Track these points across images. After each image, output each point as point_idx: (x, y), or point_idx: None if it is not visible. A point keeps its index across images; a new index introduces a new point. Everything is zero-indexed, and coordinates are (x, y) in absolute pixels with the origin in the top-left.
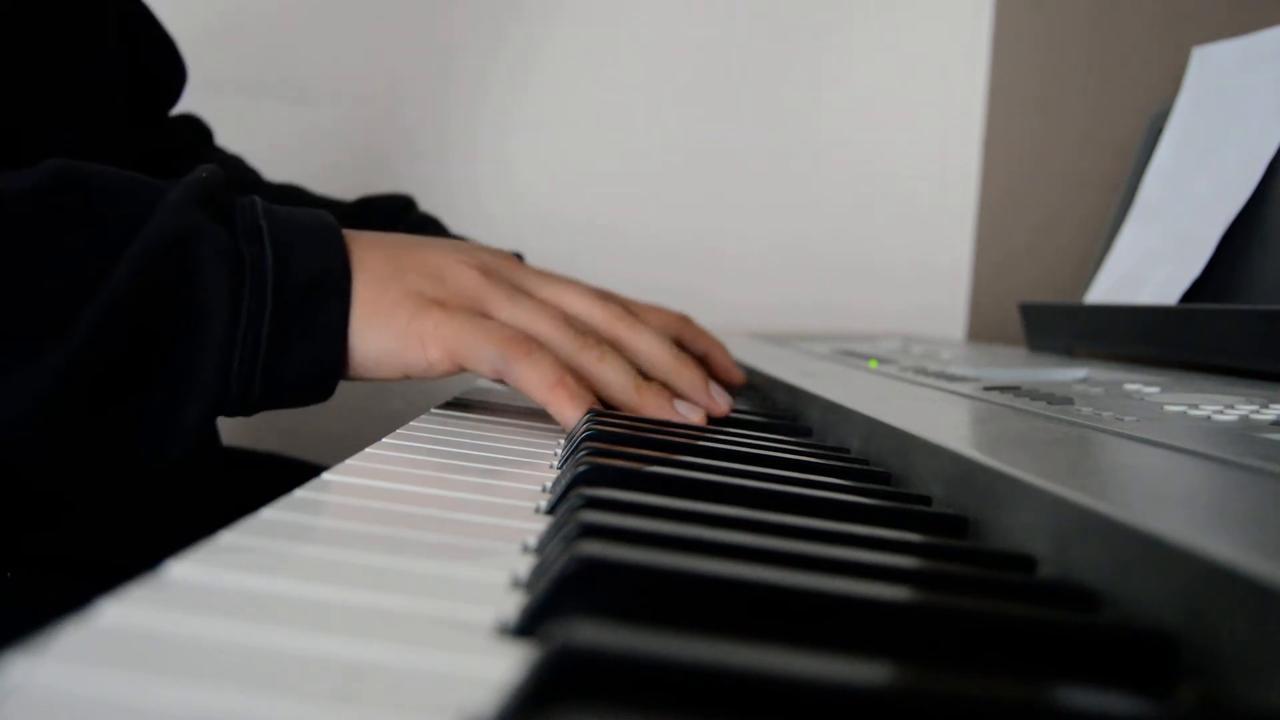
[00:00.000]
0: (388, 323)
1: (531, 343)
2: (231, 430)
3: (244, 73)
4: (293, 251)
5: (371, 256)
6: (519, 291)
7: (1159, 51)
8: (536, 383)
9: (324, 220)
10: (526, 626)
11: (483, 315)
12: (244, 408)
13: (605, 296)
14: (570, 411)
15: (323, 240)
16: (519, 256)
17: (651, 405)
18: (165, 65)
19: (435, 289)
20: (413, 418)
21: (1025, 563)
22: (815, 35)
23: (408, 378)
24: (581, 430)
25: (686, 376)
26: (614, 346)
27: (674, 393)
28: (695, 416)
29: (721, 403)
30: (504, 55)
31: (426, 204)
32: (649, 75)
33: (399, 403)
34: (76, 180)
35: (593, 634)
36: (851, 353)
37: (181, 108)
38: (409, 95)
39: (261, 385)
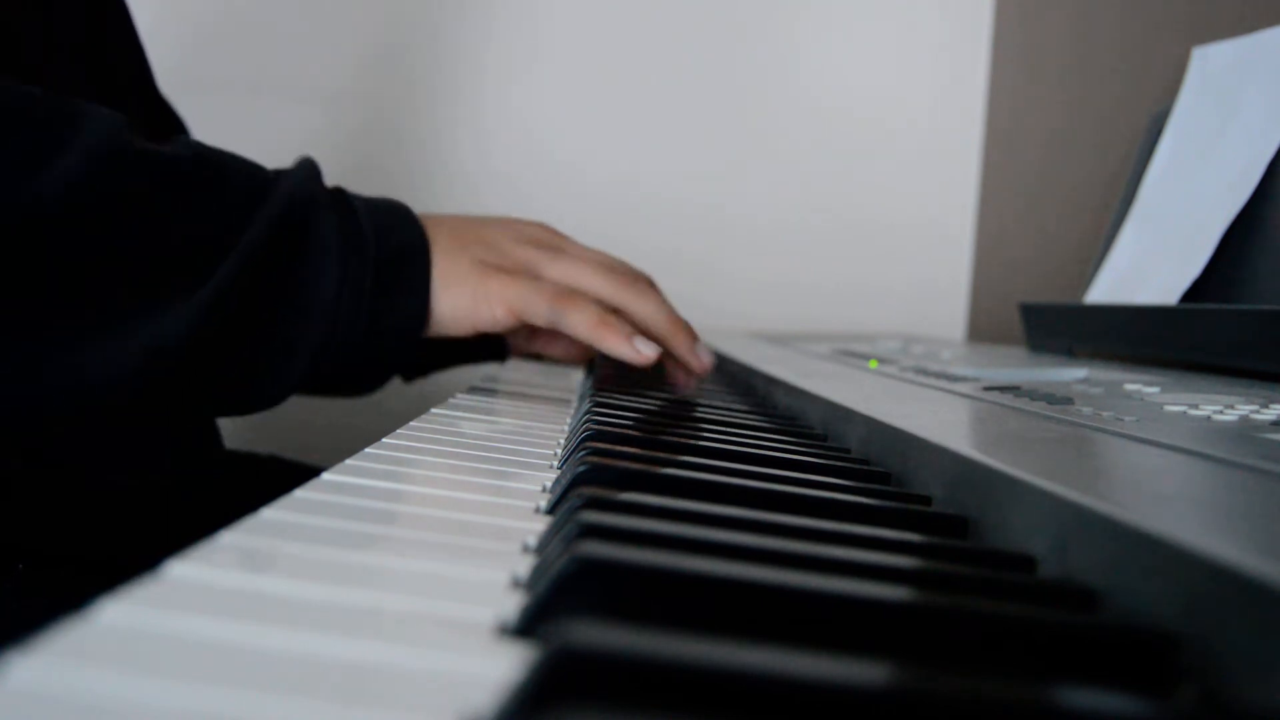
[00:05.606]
0: (461, 288)
1: (577, 294)
2: (232, 431)
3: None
4: (383, 225)
5: (440, 234)
6: (560, 252)
7: (1158, 52)
8: (584, 324)
9: (398, 204)
10: (526, 626)
11: (535, 277)
12: (345, 354)
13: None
14: (615, 342)
15: (402, 218)
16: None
17: (681, 339)
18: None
19: (495, 258)
20: (413, 417)
21: (1025, 563)
22: (813, 29)
23: (477, 332)
24: (581, 430)
25: (693, 331)
26: None
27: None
28: (706, 360)
29: (708, 359)
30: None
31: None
32: (653, 38)
33: (399, 403)
34: (209, 153)
35: (592, 634)
36: (851, 353)
37: (181, 107)
38: (412, 71)
39: (365, 332)
